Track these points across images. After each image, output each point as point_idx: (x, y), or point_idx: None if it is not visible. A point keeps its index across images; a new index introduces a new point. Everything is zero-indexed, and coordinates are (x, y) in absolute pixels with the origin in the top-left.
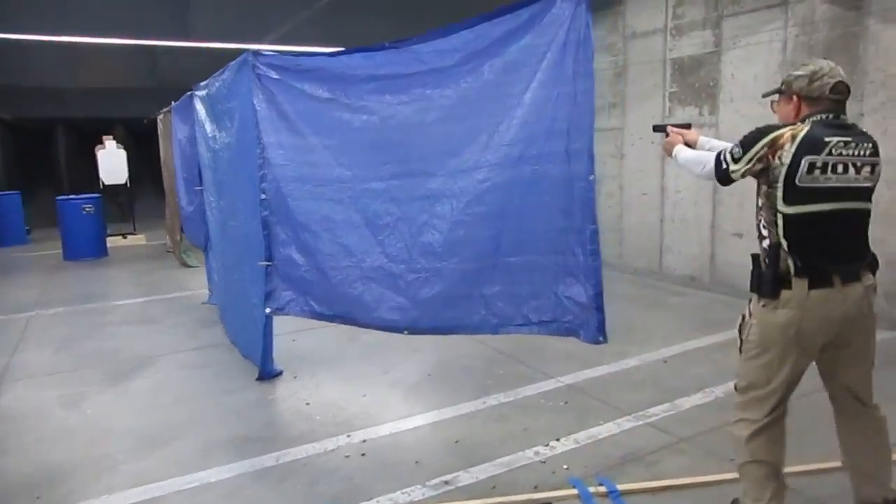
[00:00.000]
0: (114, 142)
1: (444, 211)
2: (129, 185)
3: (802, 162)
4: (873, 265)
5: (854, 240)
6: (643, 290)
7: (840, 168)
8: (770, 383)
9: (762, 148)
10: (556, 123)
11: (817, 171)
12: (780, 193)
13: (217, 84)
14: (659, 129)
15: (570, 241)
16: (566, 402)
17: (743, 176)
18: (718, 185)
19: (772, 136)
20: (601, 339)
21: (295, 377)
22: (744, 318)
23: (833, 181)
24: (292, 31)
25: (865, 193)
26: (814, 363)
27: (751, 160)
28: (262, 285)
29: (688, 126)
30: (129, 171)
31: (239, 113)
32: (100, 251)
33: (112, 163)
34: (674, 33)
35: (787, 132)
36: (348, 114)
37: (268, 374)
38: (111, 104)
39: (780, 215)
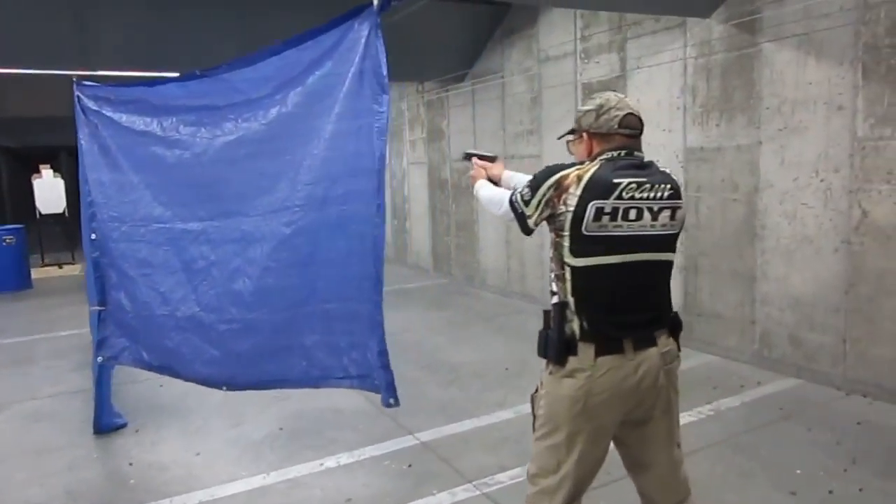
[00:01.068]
0: (50, 171)
1: (255, 255)
2: (66, 213)
3: (589, 207)
4: (675, 327)
5: (650, 297)
6: None
7: (633, 214)
8: (560, 469)
9: (548, 190)
10: (360, 160)
11: (606, 218)
12: (566, 243)
13: None
14: (467, 157)
15: (368, 288)
16: (410, 465)
17: (537, 224)
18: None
19: (557, 177)
20: (392, 401)
21: (137, 430)
22: (536, 388)
23: (625, 229)
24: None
25: (665, 243)
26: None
27: (539, 205)
28: (95, 332)
29: (493, 158)
30: (72, 198)
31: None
32: (21, 283)
33: (49, 192)
34: (583, 56)
35: (573, 172)
36: (162, 148)
37: (104, 427)
38: (52, 132)
39: (567, 268)
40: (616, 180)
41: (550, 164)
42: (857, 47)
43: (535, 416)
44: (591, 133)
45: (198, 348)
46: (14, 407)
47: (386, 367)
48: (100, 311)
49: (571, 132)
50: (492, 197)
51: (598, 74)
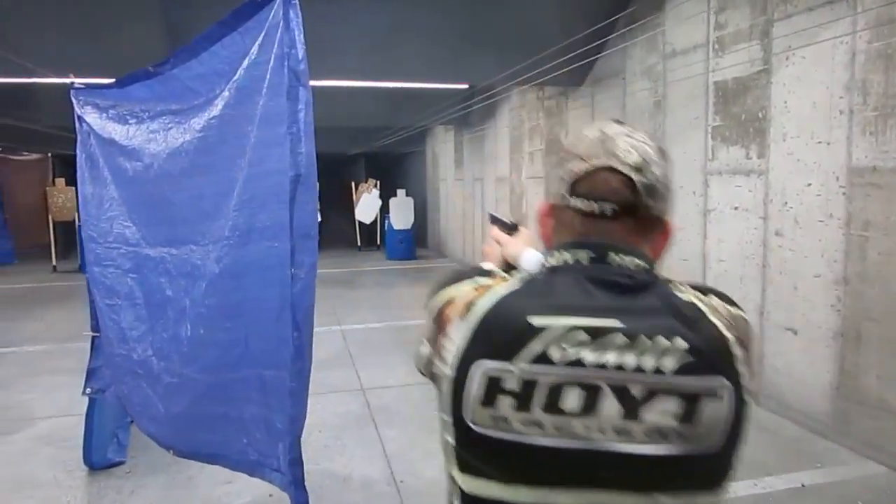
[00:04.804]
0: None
1: (196, 296)
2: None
3: (473, 373)
4: None
5: None
6: None
7: (572, 398)
8: None
9: (433, 321)
10: (284, 180)
11: (507, 402)
12: (451, 439)
13: None
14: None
15: (285, 358)
16: None
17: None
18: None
19: (447, 293)
20: None
21: (128, 472)
22: None
23: (550, 433)
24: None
25: (663, 476)
26: None
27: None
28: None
29: (513, 227)
30: None
31: None
32: None
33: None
34: (716, 47)
35: (468, 288)
36: (123, 159)
37: (95, 463)
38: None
39: (457, 491)
40: (538, 320)
41: (676, 183)
42: None
43: None
44: (551, 203)
45: (146, 400)
46: (39, 424)
47: (297, 461)
48: (93, 338)
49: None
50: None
51: (735, 71)
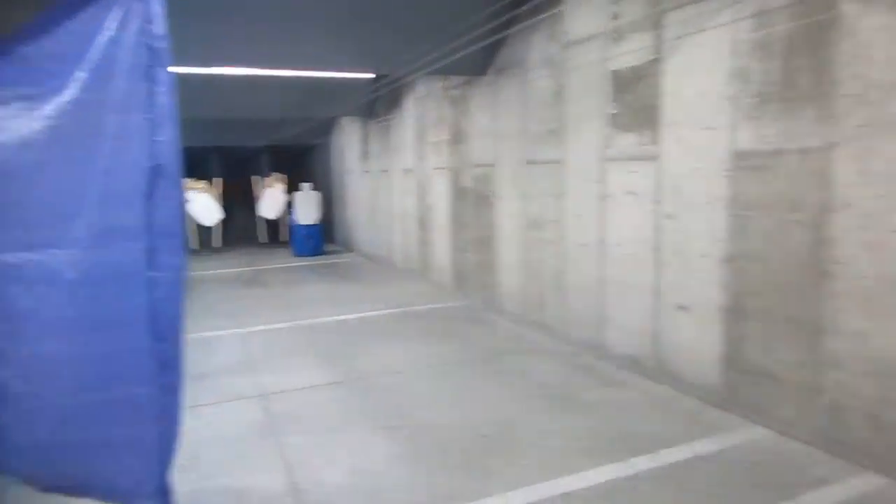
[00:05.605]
0: None
1: (55, 307)
2: None
3: None
4: None
5: None
6: (570, 374)
7: None
8: None
9: None
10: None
11: None
12: None
13: None
14: None
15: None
16: None
17: None
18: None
19: None
20: None
21: None
22: None
23: None
24: None
25: None
26: None
27: None
28: None
29: None
30: None
31: None
32: None
33: None
34: (614, 37)
35: None
36: None
37: None
38: None
39: None
40: None
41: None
42: None
43: None
44: None
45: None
46: None
47: (164, 491)
48: None
49: None
50: None
51: (630, 60)
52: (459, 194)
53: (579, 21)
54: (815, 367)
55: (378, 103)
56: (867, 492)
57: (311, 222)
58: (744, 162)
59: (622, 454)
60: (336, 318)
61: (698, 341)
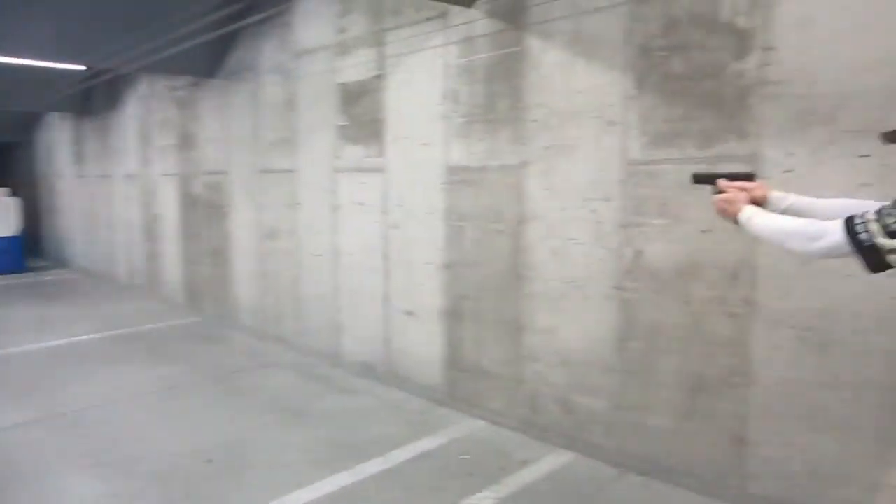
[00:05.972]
0: None
1: None
2: None
3: None
4: None
5: None
6: (306, 386)
7: None
8: None
9: None
10: None
11: None
12: None
13: None
14: (703, 179)
15: None
16: None
17: None
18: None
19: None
20: None
21: None
22: None
23: None
24: None
25: None
26: None
27: None
28: None
29: (750, 176)
30: None
31: None
32: None
33: None
34: (340, 51)
35: None
36: None
37: None
38: None
39: None
40: None
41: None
42: (629, 49)
43: None
44: None
45: None
46: None
47: None
48: None
49: None
50: (793, 228)
51: (356, 74)
52: (190, 203)
53: (308, 32)
54: (517, 361)
55: (94, 99)
56: (558, 467)
57: (9, 234)
58: (456, 176)
59: (353, 461)
60: (40, 345)
61: (424, 344)
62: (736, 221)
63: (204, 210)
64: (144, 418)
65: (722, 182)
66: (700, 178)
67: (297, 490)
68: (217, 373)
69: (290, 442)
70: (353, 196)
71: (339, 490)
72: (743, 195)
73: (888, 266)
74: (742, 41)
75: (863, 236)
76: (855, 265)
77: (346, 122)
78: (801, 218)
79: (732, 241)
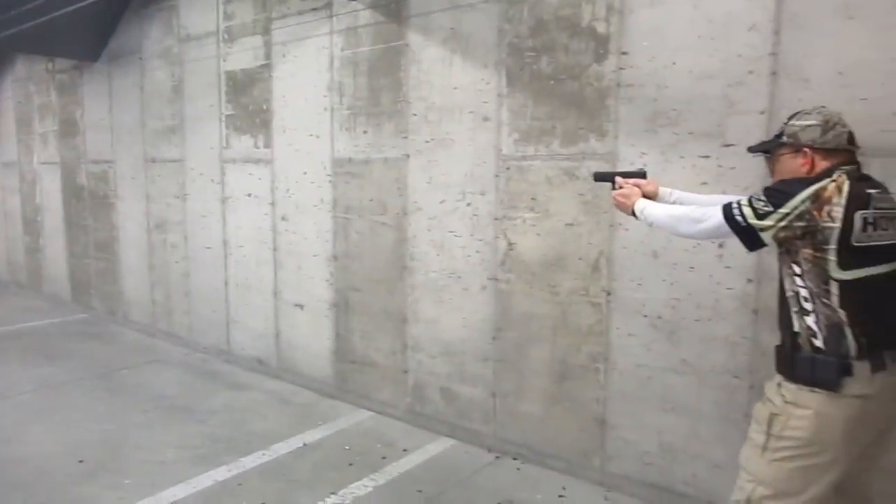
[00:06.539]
0: None
1: None
2: None
3: (856, 218)
4: None
5: None
6: (194, 382)
7: (882, 223)
8: (805, 492)
9: (802, 203)
10: None
11: (870, 228)
12: (832, 257)
13: None
14: (604, 178)
15: None
16: None
17: (775, 238)
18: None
19: (813, 189)
20: None
21: None
22: (770, 404)
23: (878, 238)
24: None
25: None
26: None
27: (786, 218)
28: None
29: (642, 174)
30: None
31: None
32: None
33: None
34: (226, 38)
35: (830, 184)
36: None
37: None
38: None
39: (833, 283)
40: (868, 191)
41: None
42: (501, 48)
43: (768, 436)
44: (814, 148)
45: None
46: None
47: None
48: None
49: (778, 146)
50: (680, 214)
51: (243, 62)
52: (75, 194)
53: (194, 16)
54: (402, 351)
55: None
56: (437, 454)
57: None
58: (342, 168)
59: (234, 455)
60: None
61: (313, 337)
62: (632, 213)
63: (90, 201)
64: (17, 419)
65: (619, 179)
66: (600, 177)
67: (172, 487)
68: (101, 370)
69: (170, 439)
70: (242, 187)
71: (214, 485)
72: (637, 190)
73: (763, 244)
74: (601, 45)
75: (738, 219)
76: (703, 258)
77: (235, 112)
78: (686, 206)
79: (593, 235)
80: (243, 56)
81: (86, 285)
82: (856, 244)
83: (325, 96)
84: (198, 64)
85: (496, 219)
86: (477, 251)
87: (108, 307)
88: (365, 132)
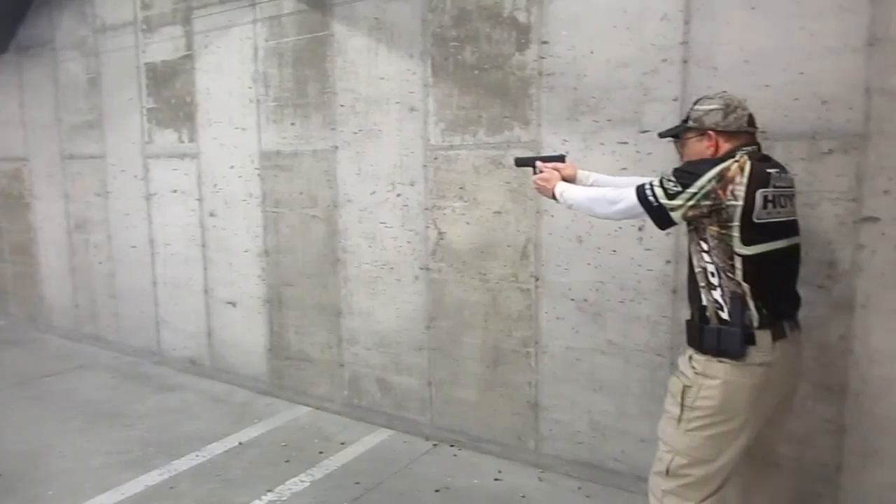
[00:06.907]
0: None
1: None
2: None
3: (757, 196)
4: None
5: (795, 281)
6: (123, 386)
7: (781, 201)
8: (718, 459)
9: (709, 183)
10: None
11: (770, 206)
12: (736, 233)
13: None
14: (524, 163)
15: None
16: None
17: (684, 217)
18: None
19: (718, 169)
20: None
21: None
22: (683, 377)
23: (777, 215)
24: None
25: (796, 227)
26: None
27: (694, 197)
28: None
29: (561, 158)
30: None
31: None
32: None
33: None
34: (145, 28)
35: (733, 164)
36: None
37: None
38: None
39: (738, 258)
40: (767, 170)
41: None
42: (426, 38)
43: (684, 408)
44: (717, 131)
45: None
46: None
47: None
48: None
49: (685, 129)
50: (596, 196)
51: (164, 53)
52: None
53: (110, 5)
54: (338, 345)
55: None
56: (375, 445)
57: None
58: (270, 162)
59: (167, 458)
60: None
61: (247, 334)
62: (552, 196)
63: (2, 201)
64: None
65: (539, 164)
66: (521, 162)
67: (98, 495)
68: (20, 379)
69: (97, 446)
70: (167, 183)
71: (145, 490)
72: (556, 174)
73: (673, 222)
74: (522, 35)
75: (651, 199)
76: (624, 241)
77: (157, 105)
78: (603, 187)
79: (520, 222)
80: (164, 47)
81: (2, 291)
82: (757, 221)
83: (250, 88)
84: (115, 55)
85: (426, 209)
86: (408, 241)
87: (27, 313)
88: (292, 124)
